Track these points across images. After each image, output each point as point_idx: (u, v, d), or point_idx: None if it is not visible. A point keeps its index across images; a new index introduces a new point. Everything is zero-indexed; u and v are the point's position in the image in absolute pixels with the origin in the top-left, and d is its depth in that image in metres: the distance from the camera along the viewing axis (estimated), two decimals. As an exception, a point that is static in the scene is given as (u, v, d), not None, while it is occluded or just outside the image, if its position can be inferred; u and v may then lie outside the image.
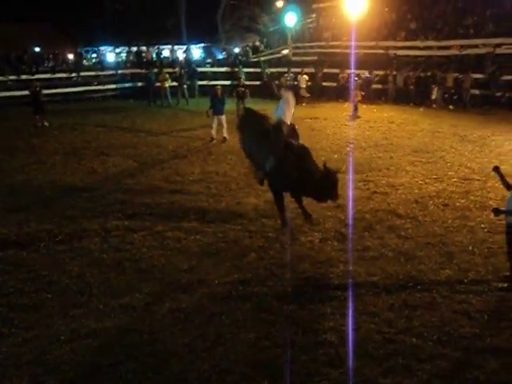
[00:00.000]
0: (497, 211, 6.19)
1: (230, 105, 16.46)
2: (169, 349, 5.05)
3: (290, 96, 8.51)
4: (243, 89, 18.62)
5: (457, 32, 23.89)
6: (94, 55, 35.95)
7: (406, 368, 4.68)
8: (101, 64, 30.13)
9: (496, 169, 6.46)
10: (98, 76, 26.71)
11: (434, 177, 10.77)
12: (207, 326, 5.42)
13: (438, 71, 21.76)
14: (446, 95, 21.50)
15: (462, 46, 22.76)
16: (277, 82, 23.93)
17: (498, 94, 20.41)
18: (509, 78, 20.10)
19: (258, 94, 22.44)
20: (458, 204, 9.13)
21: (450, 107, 20.83)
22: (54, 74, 25.42)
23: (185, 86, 23.84)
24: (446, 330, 5.23)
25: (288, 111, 8.23)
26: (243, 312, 5.66)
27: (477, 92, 20.87)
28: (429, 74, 21.85)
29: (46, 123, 17.35)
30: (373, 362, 4.77)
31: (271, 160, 7.82)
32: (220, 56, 32.13)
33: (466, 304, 5.75)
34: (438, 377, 4.57)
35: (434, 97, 21.16)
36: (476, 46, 22.31)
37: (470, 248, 7.25)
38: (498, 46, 21.43)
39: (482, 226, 8.09)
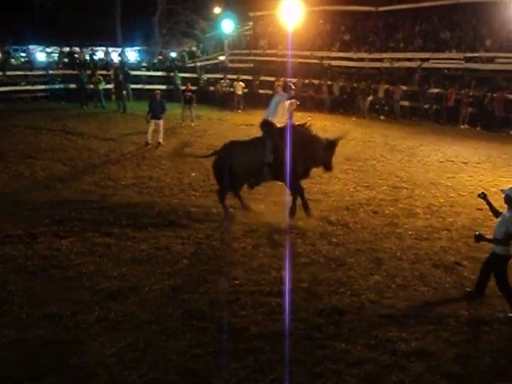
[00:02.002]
0: (479, 238, 5.85)
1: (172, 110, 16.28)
2: (96, 359, 4.88)
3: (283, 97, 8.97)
4: (190, 93, 18.51)
5: (388, 45, 24.80)
6: (23, 54, 34.52)
7: (335, 373, 4.75)
8: (30, 63, 28.99)
9: (483, 196, 6.19)
10: (26, 76, 25.64)
11: (365, 185, 11.06)
12: (136, 334, 5.28)
13: (370, 82, 22.49)
14: (378, 106, 22.23)
15: (392, 59, 23.63)
16: (211, 87, 24.01)
17: (426, 106, 21.32)
18: (436, 91, 21.04)
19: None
20: (387, 211, 9.41)
21: (381, 117, 21.53)
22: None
23: (124, 92, 22.51)
24: (373, 335, 5.36)
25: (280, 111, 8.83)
26: (174, 320, 5.56)
27: (406, 103, 21.71)
28: (360, 84, 22.51)
29: None
30: (303, 367, 4.81)
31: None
32: (155, 60, 31.71)
33: (393, 309, 5.91)
34: (365, 380, 4.66)
35: (363, 107, 21.83)
36: (407, 60, 23.22)
37: (398, 254, 7.48)
38: (426, 60, 22.40)
39: (409, 232, 8.37)
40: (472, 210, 9.62)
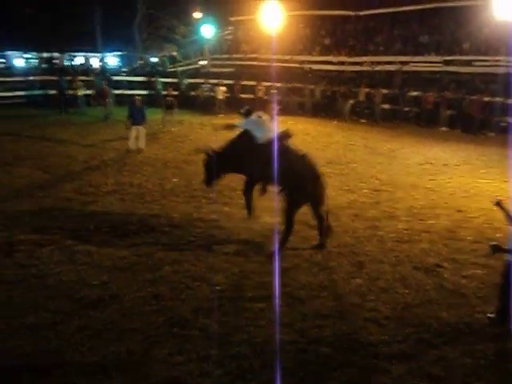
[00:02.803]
0: (496, 248, 5.41)
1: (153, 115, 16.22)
2: (78, 369, 4.82)
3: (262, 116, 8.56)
4: (172, 99, 18.48)
5: (368, 49, 25.03)
6: (1, 60, 34.17)
7: (317, 377, 4.75)
8: (8, 69, 28.69)
9: (499, 203, 5.57)
10: (4, 82, 25.34)
11: (346, 188, 11.12)
12: (118, 342, 5.23)
13: (351, 86, 22.69)
14: (358, 109, 22.41)
15: (372, 63, 23.85)
16: (193, 92, 23.97)
17: (406, 109, 21.55)
18: (415, 93, 21.27)
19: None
20: (368, 214, 9.47)
21: (362, 121, 21.70)
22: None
23: (109, 100, 21.34)
24: (355, 338, 5.37)
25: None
26: (156, 327, 5.52)
27: (387, 106, 21.91)
28: (341, 88, 22.69)
29: None
30: (286, 372, 4.79)
31: None
32: (136, 65, 31.59)
33: (374, 312, 5.94)
34: (347, 384, 4.68)
35: (344, 110, 22.00)
36: (387, 63, 23.45)
37: (379, 257, 7.52)
38: (405, 63, 22.65)
39: (391, 235, 8.42)
40: (452, 211, 9.73)
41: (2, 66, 32.13)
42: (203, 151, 8.94)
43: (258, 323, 5.62)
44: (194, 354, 5.07)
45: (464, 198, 10.72)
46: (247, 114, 8.73)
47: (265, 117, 8.60)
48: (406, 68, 22.56)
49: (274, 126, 8.54)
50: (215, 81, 24.57)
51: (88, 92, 23.56)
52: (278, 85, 23.69)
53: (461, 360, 5.06)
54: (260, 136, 8.28)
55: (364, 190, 11.05)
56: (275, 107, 19.26)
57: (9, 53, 34.47)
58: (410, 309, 6.06)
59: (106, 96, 21.21)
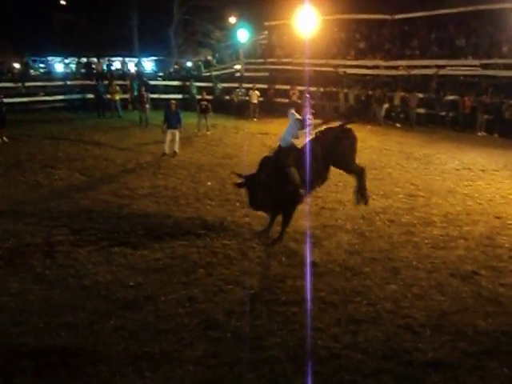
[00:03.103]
0: None
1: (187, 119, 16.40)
2: (112, 368, 4.91)
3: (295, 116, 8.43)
4: (206, 103, 18.63)
5: (403, 53, 24.73)
6: (42, 65, 35.08)
7: (350, 383, 4.72)
8: (49, 74, 29.43)
9: None
10: (45, 86, 26.02)
11: (381, 193, 11.01)
12: (152, 343, 5.31)
13: (386, 90, 22.46)
14: (393, 113, 22.16)
15: (408, 67, 23.56)
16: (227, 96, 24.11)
17: (443, 114, 21.21)
18: (452, 98, 20.92)
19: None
20: (403, 220, 9.36)
21: (397, 125, 21.45)
22: (-2, 83, 24.58)
23: (147, 106, 20.67)
24: (389, 345, 5.32)
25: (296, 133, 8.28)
26: (190, 329, 5.58)
27: (422, 111, 21.61)
28: (375, 92, 22.49)
29: (6, 139, 16.39)
30: (319, 377, 4.79)
31: None
32: (171, 69, 31.97)
33: (409, 318, 5.87)
34: (381, 391, 4.63)
35: (378, 115, 21.77)
36: (423, 67, 23.12)
37: (414, 263, 7.42)
38: (442, 67, 22.30)
39: (426, 241, 8.30)
40: (490, 218, 9.52)
41: (42, 70, 32.93)
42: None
43: (290, 327, 5.63)
44: (226, 356, 5.10)
45: (502, 204, 10.48)
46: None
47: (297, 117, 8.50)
48: (442, 72, 22.20)
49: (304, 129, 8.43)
50: (249, 85, 24.67)
51: (125, 96, 23.97)
52: (312, 89, 23.63)
53: (499, 370, 4.96)
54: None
55: (399, 196, 10.91)
56: (309, 111, 19.18)
57: (49, 58, 35.37)
58: (446, 316, 5.97)
59: (145, 102, 20.66)
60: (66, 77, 27.83)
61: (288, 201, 8.05)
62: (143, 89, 22.32)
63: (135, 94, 24.54)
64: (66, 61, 34.58)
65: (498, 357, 5.17)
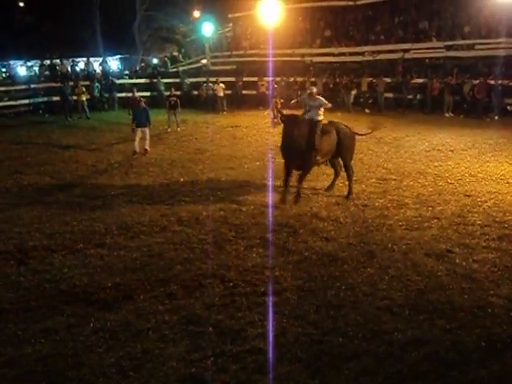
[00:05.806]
0: None
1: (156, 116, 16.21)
2: (95, 371, 4.87)
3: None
4: (175, 99, 18.46)
5: (368, 38, 24.92)
6: (4, 69, 34.29)
7: (333, 367, 4.77)
8: (12, 78, 28.78)
9: None
10: (8, 91, 25.45)
11: (354, 178, 11.06)
12: (134, 343, 5.28)
13: (353, 76, 22.62)
14: (362, 99, 22.34)
15: (374, 52, 23.75)
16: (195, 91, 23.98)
17: (410, 97, 21.47)
18: (419, 81, 21.18)
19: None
20: (376, 204, 9.47)
21: (366, 111, 21.63)
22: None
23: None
24: (369, 327, 5.39)
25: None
26: (171, 326, 5.56)
27: (390, 95, 21.84)
28: (343, 79, 22.63)
29: None
30: (301, 364, 4.83)
31: None
32: (138, 67, 31.59)
33: (387, 300, 5.96)
34: (364, 373, 4.69)
35: (347, 102, 21.92)
36: (388, 52, 23.34)
37: (390, 245, 7.53)
38: (407, 50, 22.54)
39: (400, 223, 8.43)
40: (460, 197, 9.71)
41: (4, 75, 32.19)
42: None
43: (271, 317, 5.65)
44: (209, 350, 5.10)
45: (472, 182, 10.69)
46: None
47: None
48: (407, 55, 22.45)
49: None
50: (215, 79, 24.57)
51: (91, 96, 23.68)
52: (280, 79, 23.66)
53: (477, 344, 5.07)
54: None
55: (371, 180, 11.04)
56: (278, 102, 19.21)
57: (11, 62, 34.59)
58: (423, 295, 6.07)
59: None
60: (29, 80, 27.25)
61: (307, 158, 9.49)
62: (133, 90, 18.71)
63: (96, 95, 24.28)
64: (29, 64, 33.91)
65: (475, 331, 5.28)
